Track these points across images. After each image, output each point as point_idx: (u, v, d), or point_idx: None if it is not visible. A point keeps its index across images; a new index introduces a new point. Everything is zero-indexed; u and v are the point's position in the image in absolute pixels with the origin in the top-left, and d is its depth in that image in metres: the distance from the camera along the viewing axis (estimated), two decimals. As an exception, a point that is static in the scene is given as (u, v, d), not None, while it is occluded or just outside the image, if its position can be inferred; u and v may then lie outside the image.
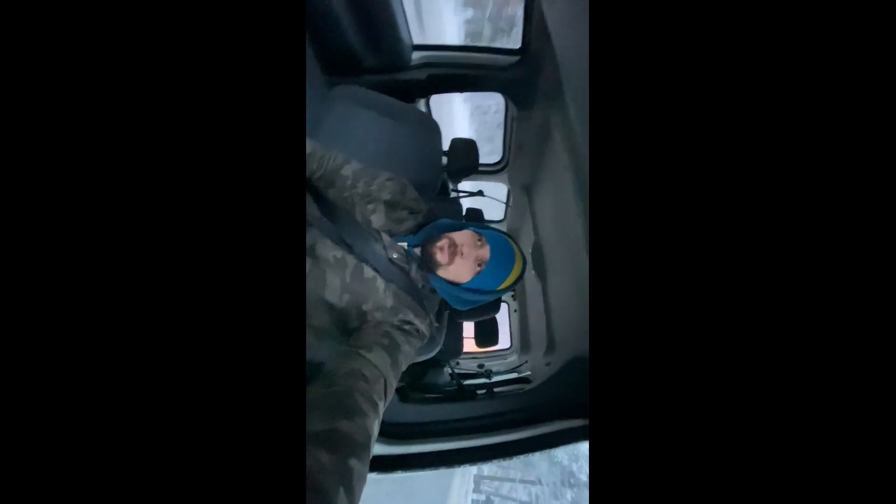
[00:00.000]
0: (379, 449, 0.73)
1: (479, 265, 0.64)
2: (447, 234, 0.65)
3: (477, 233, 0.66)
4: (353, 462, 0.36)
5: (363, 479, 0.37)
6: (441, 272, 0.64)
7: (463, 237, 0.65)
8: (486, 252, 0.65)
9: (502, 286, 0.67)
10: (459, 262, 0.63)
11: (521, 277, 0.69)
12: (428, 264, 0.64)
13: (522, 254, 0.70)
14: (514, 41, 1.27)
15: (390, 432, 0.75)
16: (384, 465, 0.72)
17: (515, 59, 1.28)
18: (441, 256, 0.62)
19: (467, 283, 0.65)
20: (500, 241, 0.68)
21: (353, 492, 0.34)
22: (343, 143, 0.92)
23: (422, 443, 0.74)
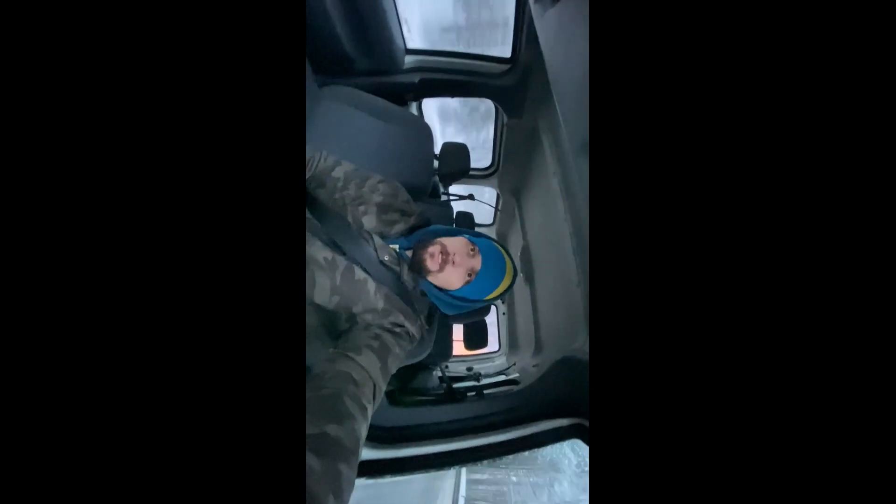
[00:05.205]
0: (368, 453, 0.72)
1: (470, 275, 0.63)
2: (439, 240, 0.64)
3: (471, 241, 0.65)
4: (343, 467, 0.36)
5: (352, 484, 0.37)
6: (431, 278, 0.64)
7: (456, 245, 0.63)
8: (477, 262, 0.64)
9: (491, 296, 0.67)
10: (450, 271, 0.62)
11: (510, 288, 0.69)
12: (418, 269, 0.64)
13: (514, 264, 0.70)
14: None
15: (380, 436, 0.74)
16: (374, 469, 0.71)
17: (506, 67, 1.30)
18: (431, 263, 0.61)
19: (456, 291, 0.64)
20: (493, 251, 0.67)
21: (342, 497, 0.34)
22: (334, 144, 0.91)
23: (411, 446, 0.74)
